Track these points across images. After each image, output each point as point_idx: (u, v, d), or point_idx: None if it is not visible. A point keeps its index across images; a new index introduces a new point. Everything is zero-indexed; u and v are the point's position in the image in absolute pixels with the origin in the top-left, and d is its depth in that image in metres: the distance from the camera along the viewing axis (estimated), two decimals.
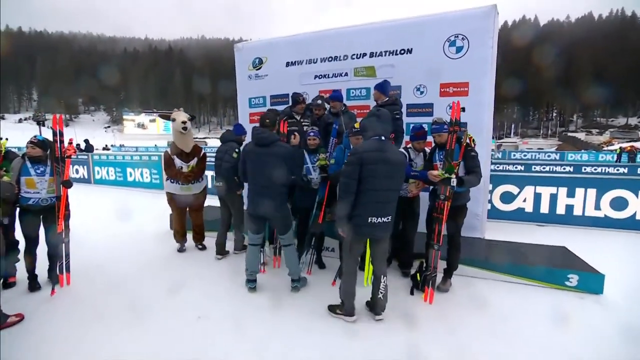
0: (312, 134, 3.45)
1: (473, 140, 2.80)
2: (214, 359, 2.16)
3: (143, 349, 2.24)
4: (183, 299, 2.95)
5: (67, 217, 3.21)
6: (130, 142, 34.74)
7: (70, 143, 3.27)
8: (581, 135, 53.91)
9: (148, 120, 56.61)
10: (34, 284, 3.19)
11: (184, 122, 3.90)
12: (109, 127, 71.67)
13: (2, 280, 3.03)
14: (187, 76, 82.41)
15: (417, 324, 2.54)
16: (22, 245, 3.13)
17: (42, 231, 3.16)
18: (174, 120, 3.95)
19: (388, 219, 2.45)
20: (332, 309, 2.68)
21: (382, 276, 2.55)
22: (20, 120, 68.25)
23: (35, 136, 3.18)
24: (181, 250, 4.27)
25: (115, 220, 5.31)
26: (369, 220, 2.37)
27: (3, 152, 3.30)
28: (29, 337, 2.37)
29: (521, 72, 52.49)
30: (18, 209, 3.09)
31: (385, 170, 2.36)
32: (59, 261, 3.21)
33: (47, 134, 3.35)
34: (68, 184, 3.18)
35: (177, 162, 3.97)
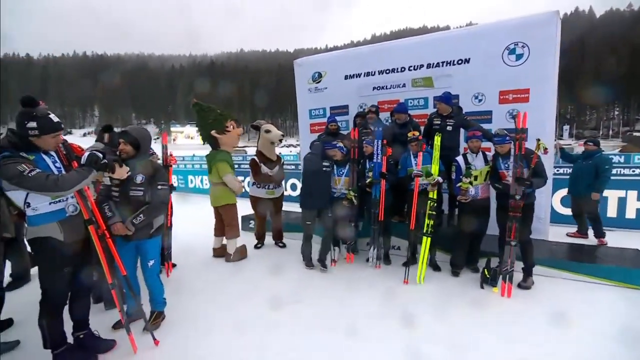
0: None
1: (546, 148, 2.96)
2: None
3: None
4: (281, 282, 3.58)
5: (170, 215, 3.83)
6: (180, 152, 37.18)
7: (172, 155, 3.93)
8: None
9: (195, 131, 60.23)
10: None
11: (283, 135, 4.65)
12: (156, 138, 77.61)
13: None
14: (228, 88, 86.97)
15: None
16: None
17: None
18: (268, 132, 4.48)
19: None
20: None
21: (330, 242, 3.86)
22: (84, 135, 76.41)
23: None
24: (257, 247, 4.75)
25: (191, 220, 5.86)
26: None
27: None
28: None
29: (576, 68, 48.72)
30: None
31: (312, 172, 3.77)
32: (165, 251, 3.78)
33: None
34: (172, 187, 3.80)
35: (264, 168, 4.49)
